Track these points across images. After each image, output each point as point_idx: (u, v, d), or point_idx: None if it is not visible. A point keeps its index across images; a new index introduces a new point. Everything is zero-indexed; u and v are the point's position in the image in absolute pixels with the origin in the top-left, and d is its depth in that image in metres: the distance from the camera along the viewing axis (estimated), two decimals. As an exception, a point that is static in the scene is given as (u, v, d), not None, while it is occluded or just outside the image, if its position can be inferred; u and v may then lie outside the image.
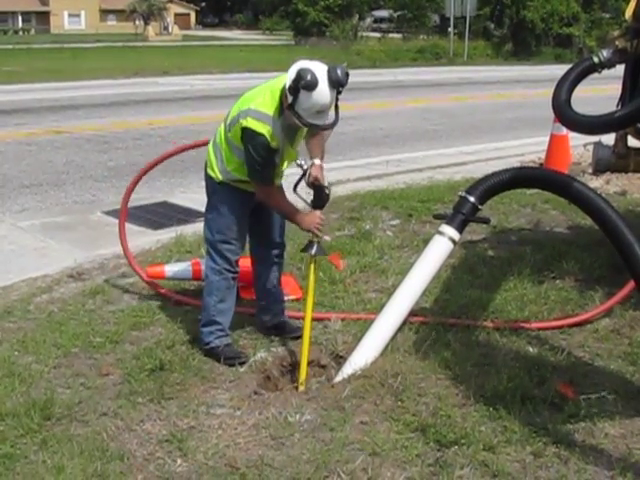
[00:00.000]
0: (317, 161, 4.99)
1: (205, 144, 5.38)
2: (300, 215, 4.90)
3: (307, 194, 5.09)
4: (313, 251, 4.90)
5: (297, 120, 4.51)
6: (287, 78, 4.49)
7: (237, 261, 5.10)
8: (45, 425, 4.21)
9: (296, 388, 4.70)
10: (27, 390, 4.59)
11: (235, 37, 71.31)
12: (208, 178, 5.08)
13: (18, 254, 7.51)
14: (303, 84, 4.35)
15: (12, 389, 4.58)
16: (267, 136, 4.60)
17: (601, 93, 12.83)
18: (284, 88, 4.56)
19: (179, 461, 3.90)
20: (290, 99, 4.47)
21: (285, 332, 5.37)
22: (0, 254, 7.49)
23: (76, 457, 3.87)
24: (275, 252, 5.28)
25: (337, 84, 4.44)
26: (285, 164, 5.03)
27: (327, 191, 5.00)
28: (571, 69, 6.50)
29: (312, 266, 4.94)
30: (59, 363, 4.99)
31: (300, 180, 5.01)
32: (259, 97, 4.70)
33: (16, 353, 5.13)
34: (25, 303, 6.05)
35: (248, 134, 4.64)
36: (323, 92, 4.41)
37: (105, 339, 5.30)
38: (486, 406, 4.32)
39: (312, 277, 4.95)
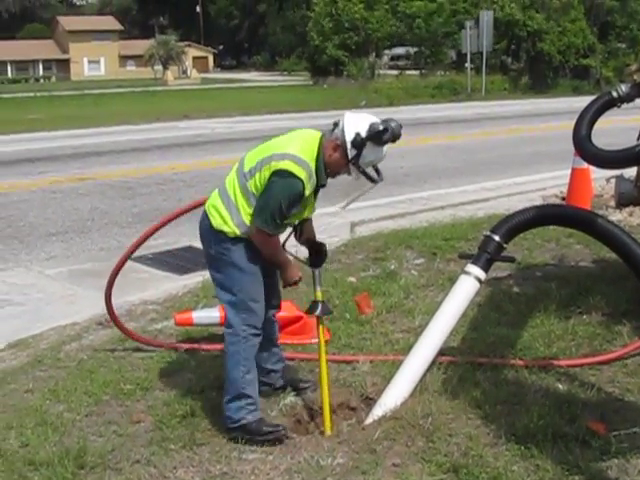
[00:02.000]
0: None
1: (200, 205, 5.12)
2: (291, 267, 4.69)
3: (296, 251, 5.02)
4: (318, 311, 4.81)
5: (359, 174, 4.44)
6: (346, 132, 4.36)
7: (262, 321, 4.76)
8: (79, 474, 4.24)
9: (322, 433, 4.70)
10: (60, 439, 4.63)
11: (253, 79, 71.85)
12: (218, 234, 4.61)
13: (46, 302, 7.58)
14: (386, 137, 4.33)
15: (45, 438, 4.62)
16: (304, 181, 4.39)
17: (623, 124, 12.80)
18: (322, 140, 4.51)
19: (213, 508, 3.92)
20: (352, 153, 4.37)
21: (299, 387, 5.21)
22: (29, 303, 7.57)
23: (111, 506, 3.90)
24: (272, 312, 5.03)
25: (397, 138, 4.41)
26: (305, 213, 4.75)
27: (324, 247, 4.93)
28: (591, 104, 6.55)
29: (321, 327, 4.86)
30: (91, 411, 5.02)
31: (289, 236, 4.88)
32: (292, 145, 4.49)
33: (48, 402, 5.17)
34: (55, 351, 6.11)
35: (282, 175, 4.36)
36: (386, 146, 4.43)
37: (135, 386, 5.33)
38: (517, 445, 4.31)
39: (322, 338, 4.86)
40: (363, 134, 4.35)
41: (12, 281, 8.31)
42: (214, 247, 4.67)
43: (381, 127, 4.34)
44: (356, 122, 4.41)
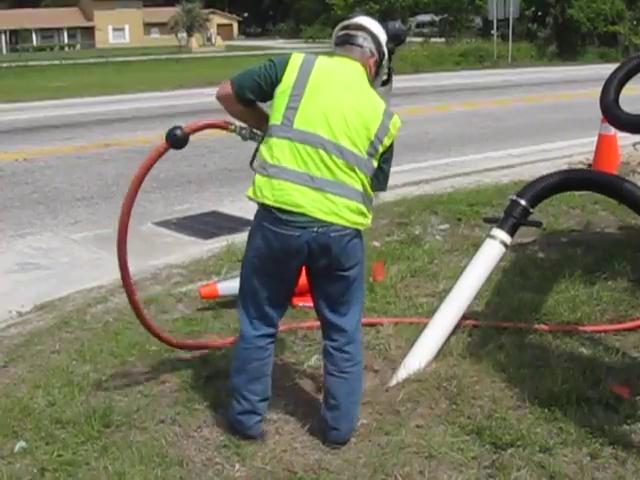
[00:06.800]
0: None
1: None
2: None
3: None
4: None
5: (390, 76, 4.24)
6: (383, 43, 4.07)
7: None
8: (105, 432, 4.28)
9: None
10: (86, 398, 4.67)
11: (278, 46, 71.45)
12: (355, 241, 3.92)
13: (72, 266, 7.64)
14: (405, 37, 4.24)
15: (72, 398, 4.66)
16: (292, 54, 3.98)
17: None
18: (362, 66, 4.03)
19: (237, 466, 3.95)
20: (388, 63, 4.17)
21: None
22: (55, 266, 7.64)
23: (136, 463, 3.93)
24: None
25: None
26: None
27: None
28: (618, 68, 6.49)
29: None
30: (116, 372, 5.06)
31: (256, 152, 4.28)
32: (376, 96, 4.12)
33: (74, 362, 5.22)
34: (81, 313, 6.16)
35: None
36: None
37: (161, 348, 5.34)
38: (541, 408, 4.32)
39: None
40: (387, 41, 4.12)
41: (38, 245, 8.38)
42: (355, 265, 3.95)
43: (399, 28, 4.22)
44: (378, 29, 4.12)
